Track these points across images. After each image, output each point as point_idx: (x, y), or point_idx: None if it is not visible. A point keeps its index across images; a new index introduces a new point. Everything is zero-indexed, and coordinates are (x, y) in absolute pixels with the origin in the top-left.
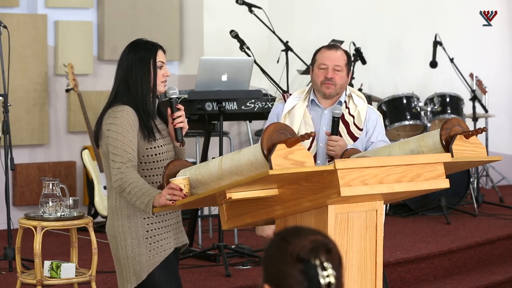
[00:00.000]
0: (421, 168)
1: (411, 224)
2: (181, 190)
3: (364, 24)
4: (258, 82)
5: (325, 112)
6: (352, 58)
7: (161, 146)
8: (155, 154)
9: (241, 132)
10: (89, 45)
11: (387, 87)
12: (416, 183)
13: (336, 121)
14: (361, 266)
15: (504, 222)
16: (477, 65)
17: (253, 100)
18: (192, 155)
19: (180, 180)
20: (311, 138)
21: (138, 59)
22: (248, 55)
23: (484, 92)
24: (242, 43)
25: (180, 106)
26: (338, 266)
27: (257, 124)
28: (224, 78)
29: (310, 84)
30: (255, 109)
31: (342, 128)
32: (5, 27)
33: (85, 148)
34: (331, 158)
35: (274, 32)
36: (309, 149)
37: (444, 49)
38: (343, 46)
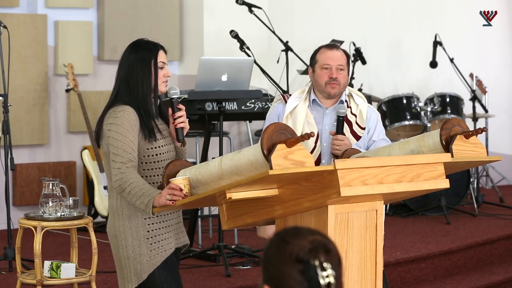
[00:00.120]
0: (421, 168)
1: (411, 224)
2: (181, 190)
3: (364, 24)
4: (258, 82)
5: (327, 111)
6: (352, 58)
7: (162, 146)
8: (156, 154)
9: (241, 132)
10: (89, 45)
11: (387, 87)
12: (416, 183)
13: (341, 120)
14: (361, 266)
15: (504, 222)
16: (477, 65)
17: (253, 100)
18: (192, 155)
19: (180, 180)
20: (314, 138)
21: (139, 59)
22: (248, 55)
23: (484, 92)
24: (242, 43)
25: (181, 106)
26: (337, 266)
27: (257, 124)
28: (224, 78)
29: (309, 84)
30: (255, 109)
31: (345, 127)
32: (5, 27)
33: (85, 148)
34: (336, 158)
35: (274, 32)
36: (313, 149)
37: (444, 49)
38: (343, 46)
